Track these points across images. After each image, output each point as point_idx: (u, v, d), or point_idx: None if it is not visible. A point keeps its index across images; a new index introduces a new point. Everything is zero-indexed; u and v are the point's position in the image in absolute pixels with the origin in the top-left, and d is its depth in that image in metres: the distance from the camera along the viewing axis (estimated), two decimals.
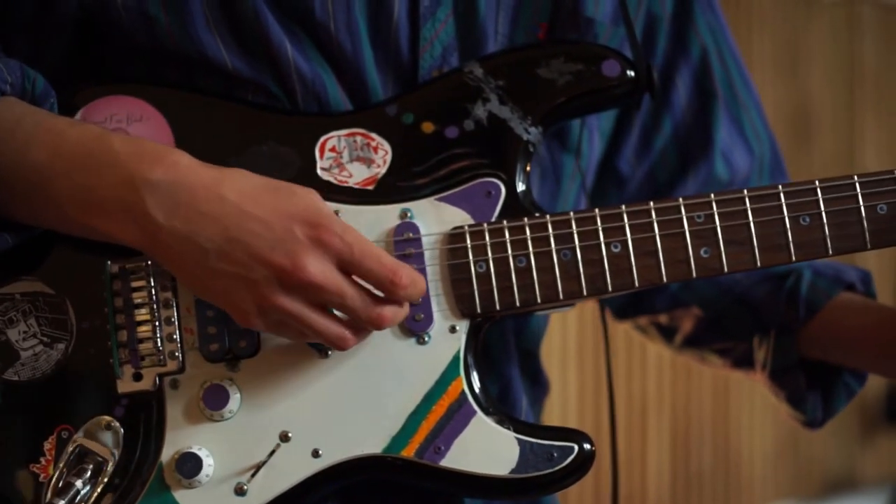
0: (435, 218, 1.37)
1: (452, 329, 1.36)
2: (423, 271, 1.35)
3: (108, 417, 1.34)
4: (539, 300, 1.35)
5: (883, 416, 5.24)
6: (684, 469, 4.53)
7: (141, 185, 1.25)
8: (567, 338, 3.97)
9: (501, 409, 1.37)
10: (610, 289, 1.35)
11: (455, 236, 1.36)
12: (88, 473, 1.33)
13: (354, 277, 1.26)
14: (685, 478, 4.54)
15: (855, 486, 5.26)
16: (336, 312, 1.28)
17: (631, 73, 1.38)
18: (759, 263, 1.35)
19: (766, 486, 4.87)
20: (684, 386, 4.53)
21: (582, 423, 3.89)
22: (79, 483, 1.32)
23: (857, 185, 1.35)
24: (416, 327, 1.35)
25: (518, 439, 1.35)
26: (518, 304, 1.35)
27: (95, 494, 1.33)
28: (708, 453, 4.63)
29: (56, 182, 1.28)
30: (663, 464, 4.45)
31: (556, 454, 1.36)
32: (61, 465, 1.34)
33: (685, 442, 4.55)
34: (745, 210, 1.35)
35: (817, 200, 1.35)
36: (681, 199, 1.35)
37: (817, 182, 1.35)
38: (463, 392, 1.35)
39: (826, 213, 1.35)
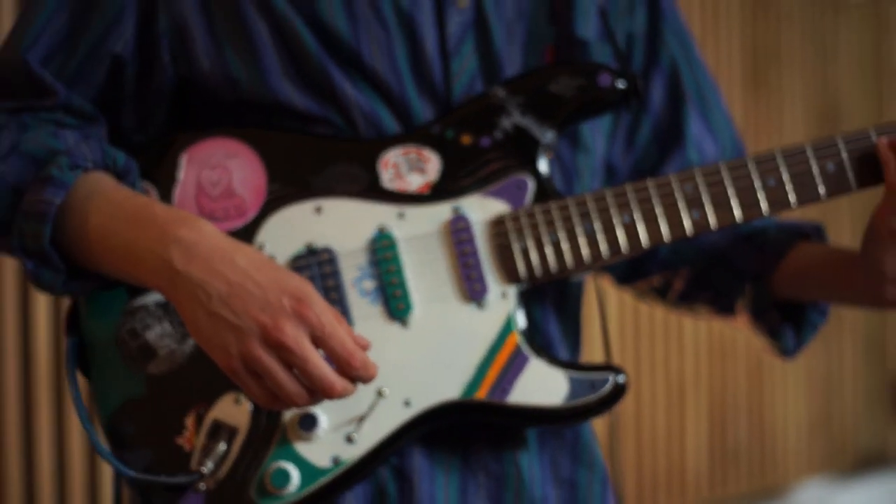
0: (481, 209, 1.63)
1: (504, 294, 1.63)
2: (475, 251, 1.62)
3: (235, 393, 1.60)
4: (569, 266, 1.63)
5: None
6: (721, 444, 4.71)
7: (169, 241, 1.48)
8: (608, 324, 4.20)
9: (549, 353, 1.67)
10: (625, 252, 1.63)
11: (498, 223, 1.63)
12: (226, 438, 1.58)
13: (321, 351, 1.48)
14: (722, 453, 4.71)
15: (887, 461, 5.42)
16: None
17: (620, 83, 1.66)
18: (739, 219, 1.63)
19: (800, 461, 5.02)
20: (720, 366, 4.73)
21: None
22: (220, 446, 1.57)
23: (809, 150, 1.62)
24: (475, 296, 1.62)
25: (567, 374, 1.63)
26: (553, 270, 1.63)
27: (235, 454, 1.59)
28: (743, 430, 4.80)
29: (108, 240, 1.52)
30: (701, 440, 4.63)
31: (596, 385, 1.63)
32: (201, 435, 1.59)
33: (721, 419, 4.72)
34: (722, 179, 1.63)
35: (777, 167, 1.62)
36: (671, 176, 1.63)
37: (777, 151, 1.63)
38: (517, 343, 1.62)
39: (786, 175, 1.62)
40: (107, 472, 3.13)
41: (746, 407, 4.84)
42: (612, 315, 4.30)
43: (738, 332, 4.77)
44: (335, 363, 1.47)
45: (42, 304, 3.08)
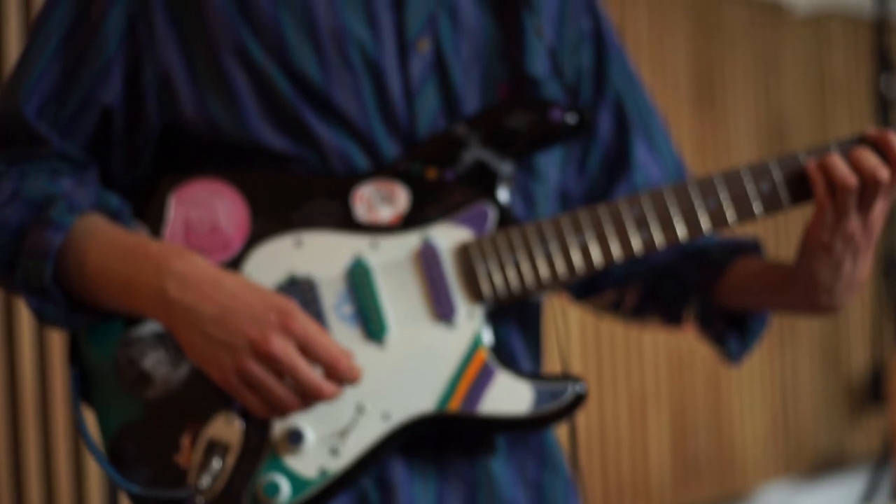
0: (447, 237, 1.74)
1: (471, 314, 1.73)
2: (443, 275, 1.73)
3: (228, 412, 1.69)
4: (529, 286, 1.74)
5: (868, 397, 5.57)
6: (682, 453, 4.82)
7: (164, 273, 1.62)
8: (570, 336, 4.29)
9: (514, 366, 1.79)
10: (579, 272, 1.74)
11: (463, 249, 1.73)
12: (220, 455, 1.67)
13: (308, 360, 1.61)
14: (684, 460, 4.82)
15: (844, 462, 5.52)
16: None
17: (569, 117, 1.77)
18: (682, 238, 1.75)
19: (759, 466, 5.14)
20: (679, 378, 4.84)
21: (585, 411, 4.15)
22: (214, 463, 1.67)
23: (746, 173, 1.74)
24: (445, 316, 1.72)
25: (531, 385, 1.74)
26: (515, 290, 1.74)
27: (229, 469, 1.68)
28: (703, 438, 4.91)
29: (106, 275, 1.65)
30: (663, 448, 4.74)
31: (557, 393, 1.74)
32: (197, 453, 1.68)
33: (682, 428, 4.83)
34: (665, 202, 1.75)
35: (717, 190, 1.74)
36: (620, 200, 1.75)
37: (716, 175, 1.75)
38: (485, 358, 1.73)
39: (724, 196, 1.74)
40: (94, 493, 3.24)
41: (706, 416, 4.95)
42: (574, 332, 4.40)
43: (696, 345, 4.86)
44: (323, 367, 1.61)
45: (26, 326, 3.17)
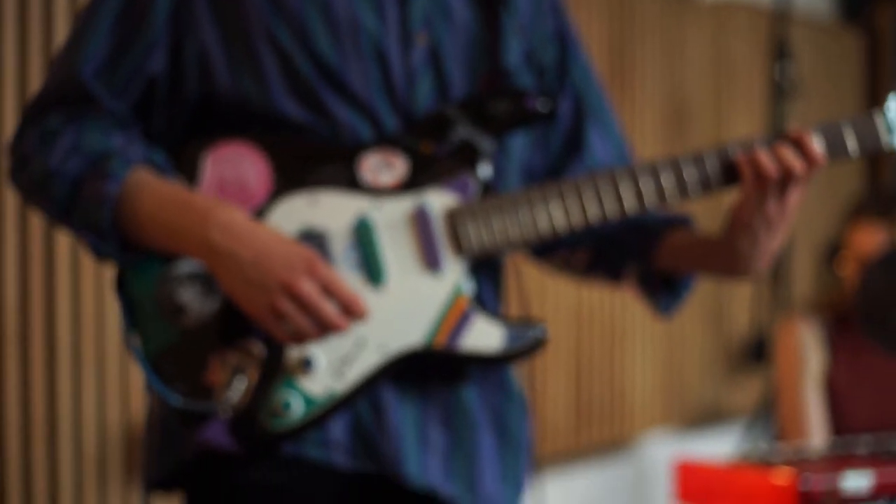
0: (438, 201, 1.96)
1: (454, 265, 1.96)
2: (433, 233, 1.95)
3: (251, 340, 1.91)
4: (500, 245, 1.98)
5: (750, 358, 5.77)
6: (576, 401, 5.03)
7: (209, 222, 1.85)
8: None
9: (489, 310, 2.00)
10: (542, 234, 1.98)
11: (451, 212, 1.96)
12: (243, 375, 1.89)
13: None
14: (577, 408, 5.03)
15: (722, 416, 5.75)
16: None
17: (540, 105, 2.00)
18: (630, 210, 2.00)
19: (645, 415, 5.35)
20: (576, 333, 5.02)
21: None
22: (238, 382, 1.89)
23: (685, 160, 1.99)
24: (433, 266, 1.94)
25: (503, 326, 1.98)
26: (489, 247, 1.98)
27: (252, 387, 1.90)
28: (597, 388, 5.11)
29: (156, 222, 1.87)
30: (559, 396, 4.93)
31: (524, 335, 1.99)
32: (224, 373, 1.90)
33: (578, 378, 5.04)
34: (615, 181, 2.00)
35: (658, 174, 1.99)
36: (579, 178, 1.99)
37: (659, 160, 1.98)
38: (465, 302, 1.96)
39: (667, 177, 2.00)
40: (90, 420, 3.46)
41: (600, 368, 5.12)
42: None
43: (595, 302, 5.07)
44: (341, 305, 1.86)
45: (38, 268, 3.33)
